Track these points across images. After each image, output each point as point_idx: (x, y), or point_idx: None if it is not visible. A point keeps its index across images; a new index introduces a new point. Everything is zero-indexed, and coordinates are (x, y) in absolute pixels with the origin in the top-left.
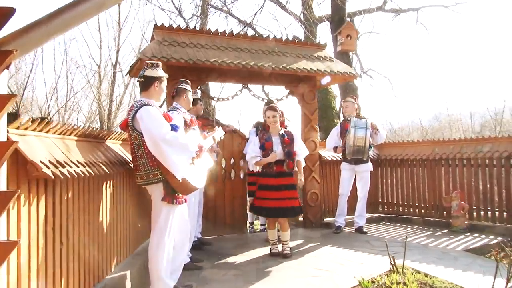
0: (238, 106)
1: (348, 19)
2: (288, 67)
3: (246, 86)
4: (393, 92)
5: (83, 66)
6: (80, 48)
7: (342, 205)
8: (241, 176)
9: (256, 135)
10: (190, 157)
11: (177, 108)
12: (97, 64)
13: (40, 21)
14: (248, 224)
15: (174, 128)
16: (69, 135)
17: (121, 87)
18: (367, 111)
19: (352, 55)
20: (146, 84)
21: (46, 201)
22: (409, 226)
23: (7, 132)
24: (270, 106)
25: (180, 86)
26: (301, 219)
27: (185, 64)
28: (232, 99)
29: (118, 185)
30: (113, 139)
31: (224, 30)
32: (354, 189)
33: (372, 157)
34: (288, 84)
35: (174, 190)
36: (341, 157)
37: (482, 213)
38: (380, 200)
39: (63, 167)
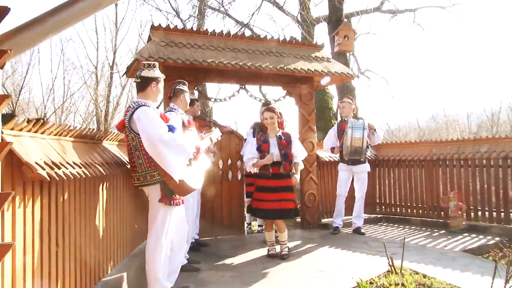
0: (236, 107)
1: (345, 20)
2: (285, 68)
3: (243, 86)
4: (390, 92)
5: (80, 67)
6: (77, 48)
7: (339, 206)
8: (239, 177)
9: (254, 136)
10: (187, 158)
11: (175, 109)
12: (94, 65)
13: (35, 21)
14: (246, 225)
15: (171, 129)
16: (65, 136)
17: (118, 88)
18: (365, 111)
19: (349, 55)
20: (143, 84)
21: (41, 202)
22: (407, 227)
23: (2, 133)
24: (268, 107)
25: (177, 87)
26: (298, 220)
27: (182, 65)
28: (229, 99)
29: (115, 186)
30: (110, 140)
31: (222, 31)
32: (351, 190)
33: (369, 158)
34: (286, 84)
35: (172, 191)
36: (339, 158)
37: (479, 213)
38: (378, 201)
39: (59, 168)
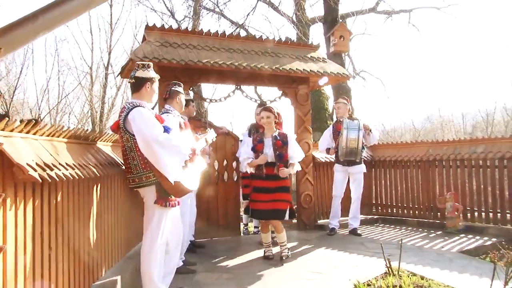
0: (231, 107)
1: (340, 20)
2: (281, 68)
3: (239, 87)
4: (386, 93)
5: (75, 67)
6: (71, 49)
7: (335, 207)
8: (234, 178)
9: (250, 137)
10: (183, 159)
11: (170, 111)
12: (88, 66)
13: (26, 19)
14: (242, 226)
15: (166, 129)
16: (58, 137)
17: (113, 89)
18: (360, 112)
19: (345, 56)
20: (137, 85)
21: (33, 204)
22: (404, 228)
23: None
24: (265, 106)
25: (173, 88)
26: (294, 221)
27: (177, 65)
28: (224, 100)
29: (109, 188)
30: (104, 141)
31: (217, 31)
32: (347, 191)
33: (365, 159)
34: (281, 85)
35: (167, 193)
36: (334, 159)
37: (476, 214)
38: (374, 202)
39: (51, 169)
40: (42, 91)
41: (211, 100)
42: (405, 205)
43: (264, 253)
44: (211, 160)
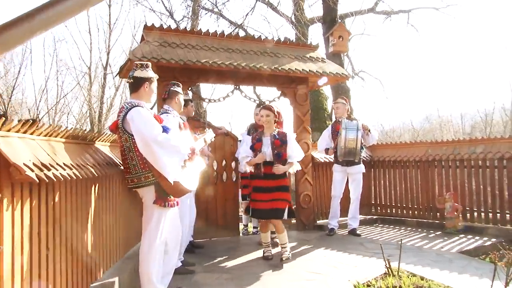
0: (230, 108)
1: (339, 21)
2: (280, 68)
3: (237, 87)
4: (385, 93)
5: (73, 68)
6: (70, 49)
7: (334, 207)
8: (233, 178)
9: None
10: (182, 159)
11: (169, 111)
12: (87, 66)
13: (22, 17)
14: (242, 227)
15: (165, 129)
16: (56, 137)
17: (112, 89)
18: (359, 112)
19: (343, 56)
20: (136, 85)
21: (31, 205)
22: (403, 228)
23: None
24: (265, 105)
25: (172, 88)
26: (294, 221)
27: (175, 65)
28: (223, 100)
29: (108, 188)
30: (103, 141)
31: (215, 31)
32: (346, 191)
33: (365, 159)
34: (280, 85)
35: (166, 193)
36: (333, 159)
37: (475, 214)
38: (373, 202)
39: (49, 169)
40: (41, 91)
41: (210, 100)
42: (404, 205)
43: (264, 253)
44: (210, 161)
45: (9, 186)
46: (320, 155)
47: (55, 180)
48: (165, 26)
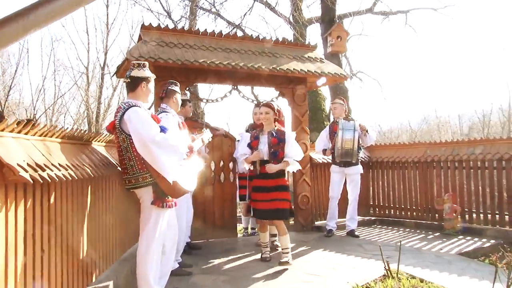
0: (228, 108)
1: (338, 21)
2: (278, 68)
3: (235, 87)
4: (382, 94)
5: (71, 68)
6: (67, 49)
7: (332, 208)
8: (231, 179)
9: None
10: (180, 158)
11: (167, 111)
12: (85, 66)
13: (15, 15)
14: (242, 229)
15: (162, 129)
16: (51, 137)
17: (110, 90)
18: (357, 113)
19: (341, 57)
20: (133, 85)
21: (25, 206)
22: (401, 229)
23: None
24: (265, 102)
25: (169, 87)
26: (292, 222)
27: (173, 65)
28: (221, 100)
29: (104, 188)
30: (99, 141)
31: (213, 31)
32: (344, 192)
33: (363, 159)
34: (278, 85)
35: (164, 193)
36: (331, 160)
37: (474, 215)
38: (371, 203)
39: (43, 170)
40: (38, 91)
41: (207, 101)
42: (402, 206)
43: (261, 254)
44: (207, 161)
45: (3, 187)
46: (318, 156)
47: (49, 180)
48: (162, 26)
